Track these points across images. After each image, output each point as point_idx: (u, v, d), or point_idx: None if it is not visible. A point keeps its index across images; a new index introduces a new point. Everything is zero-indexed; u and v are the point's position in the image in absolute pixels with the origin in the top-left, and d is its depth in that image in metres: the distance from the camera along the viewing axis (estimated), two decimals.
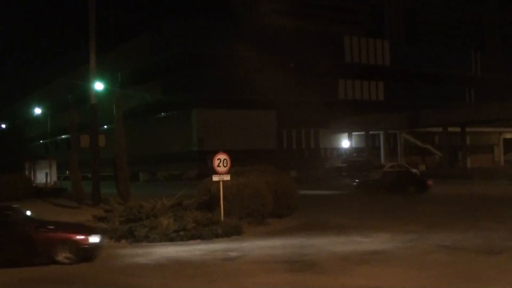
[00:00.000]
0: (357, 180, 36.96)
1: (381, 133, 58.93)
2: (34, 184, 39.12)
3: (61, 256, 13.13)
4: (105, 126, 46.25)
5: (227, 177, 18.45)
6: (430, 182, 33.55)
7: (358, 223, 20.38)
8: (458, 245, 15.22)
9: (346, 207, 26.91)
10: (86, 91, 31.66)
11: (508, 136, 66.07)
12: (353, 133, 62.23)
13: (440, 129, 55.12)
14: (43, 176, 41.18)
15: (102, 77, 34.20)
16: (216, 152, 18.98)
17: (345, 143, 63.20)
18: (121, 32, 62.44)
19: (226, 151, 19.09)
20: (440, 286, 10.90)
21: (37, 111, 76.98)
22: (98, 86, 31.30)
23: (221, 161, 18.37)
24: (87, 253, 13.41)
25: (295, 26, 62.01)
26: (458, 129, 53.85)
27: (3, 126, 73.19)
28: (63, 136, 78.92)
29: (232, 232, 17.06)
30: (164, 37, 57.17)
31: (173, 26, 56.30)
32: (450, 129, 54.12)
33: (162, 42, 57.30)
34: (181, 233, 16.48)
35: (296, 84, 59.21)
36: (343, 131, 62.58)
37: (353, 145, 63.10)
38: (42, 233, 13.37)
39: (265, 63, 56.25)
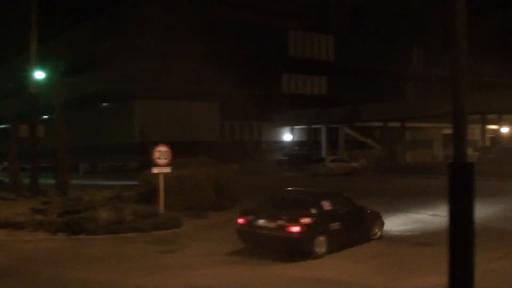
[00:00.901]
0: None
1: (323, 127, 59.56)
2: None
3: (374, 233, 15.19)
4: (46, 116, 45.35)
5: (167, 170, 18.37)
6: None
7: None
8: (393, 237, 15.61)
9: None
10: (26, 79, 30.92)
11: (447, 131, 67.69)
12: (295, 126, 62.70)
13: (380, 124, 56.06)
14: None
15: (43, 65, 33.52)
16: (157, 143, 18.88)
17: (287, 136, 63.63)
18: (64, 20, 61.08)
19: (168, 143, 19.01)
20: (375, 278, 11.14)
21: None
22: (39, 74, 30.64)
23: (161, 153, 18.27)
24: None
25: (240, 19, 61.91)
26: (398, 124, 54.84)
27: None
28: (1, 126, 77.10)
29: (171, 224, 17.02)
30: (108, 26, 56.33)
31: (118, 15, 55.55)
32: (391, 124, 55.09)
33: (106, 31, 56.43)
34: (120, 225, 16.36)
35: (240, 77, 59.27)
36: (286, 125, 62.99)
37: (295, 139, 63.58)
38: (368, 215, 15.24)
39: (209, 54, 56.12)
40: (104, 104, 60.84)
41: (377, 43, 70.59)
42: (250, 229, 13.22)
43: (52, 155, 27.37)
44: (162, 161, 18.24)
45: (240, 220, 13.60)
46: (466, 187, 6.69)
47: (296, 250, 12.69)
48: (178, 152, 19.49)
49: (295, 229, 12.44)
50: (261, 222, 13.13)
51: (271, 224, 12.82)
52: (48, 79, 35.97)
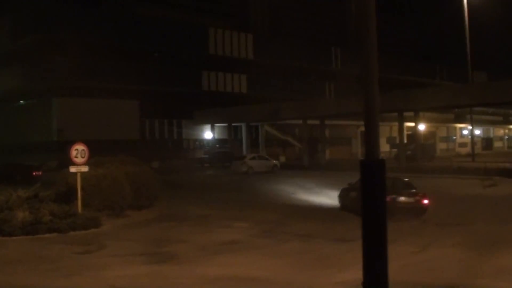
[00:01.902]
0: None
1: (243, 125, 59.86)
2: None
3: None
4: None
5: (85, 168, 18.13)
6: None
7: (219, 213, 20.77)
8: (313, 234, 15.97)
9: (211, 197, 27.23)
10: None
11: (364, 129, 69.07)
12: (216, 124, 62.73)
13: (300, 122, 56.79)
14: None
15: None
16: (76, 142, 18.60)
17: (208, 134, 63.64)
18: None
19: (87, 142, 18.78)
20: (293, 272, 11.37)
21: None
22: None
23: (78, 151, 18.02)
24: None
25: (160, 15, 61.41)
26: (318, 122, 55.68)
27: None
28: None
29: (90, 224, 16.79)
30: (25, 20, 54.89)
31: (35, 9, 54.15)
32: (310, 122, 55.89)
33: (23, 25, 54.98)
34: (37, 226, 16.02)
35: (160, 74, 58.90)
36: (206, 123, 62.92)
37: (216, 137, 63.66)
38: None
39: (129, 51, 55.54)
40: (21, 101, 59.24)
41: (297, 42, 71.58)
42: (393, 204, 16.94)
43: None
44: (79, 160, 17.99)
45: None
46: (378, 183, 6.91)
47: (422, 214, 18.62)
48: (97, 151, 19.30)
49: (426, 201, 19.02)
50: (401, 198, 18.63)
51: (410, 199, 18.87)
52: None
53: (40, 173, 36.35)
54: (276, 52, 67.83)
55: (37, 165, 40.19)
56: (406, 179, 21.79)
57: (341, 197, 22.61)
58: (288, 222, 18.52)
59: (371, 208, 6.94)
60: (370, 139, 7.02)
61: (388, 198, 15.75)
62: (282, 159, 54.81)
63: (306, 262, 12.32)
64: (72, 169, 17.94)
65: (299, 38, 73.01)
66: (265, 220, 18.96)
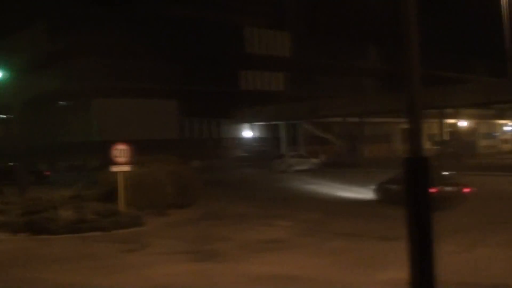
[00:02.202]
0: None
1: (282, 123, 59.74)
2: None
3: None
4: (4, 116, 44.74)
5: (126, 168, 18.36)
6: None
7: (260, 211, 20.80)
8: (356, 232, 15.87)
9: (251, 195, 27.29)
10: None
11: (404, 126, 68.07)
12: (254, 123, 62.79)
13: (340, 119, 56.47)
14: None
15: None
16: (117, 142, 18.82)
17: (246, 133, 63.72)
18: (20, 18, 60.08)
19: (127, 141, 18.99)
20: (337, 271, 11.32)
21: None
22: None
23: (120, 151, 18.26)
24: None
25: (196, 15, 61.68)
26: (357, 119, 55.30)
27: None
28: None
29: (132, 223, 16.98)
30: (62, 24, 55.66)
31: (71, 14, 54.89)
32: (350, 119, 55.54)
33: (61, 29, 55.79)
34: (81, 224, 16.28)
35: (198, 74, 59.21)
36: (245, 121, 63.02)
37: (255, 135, 63.70)
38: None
39: (165, 52, 55.91)
40: (62, 103, 60.12)
41: (335, 39, 71.12)
42: (440, 194, 17.67)
43: (11, 154, 27.07)
44: (121, 159, 18.22)
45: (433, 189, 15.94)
46: (422, 181, 6.84)
47: (463, 202, 19.98)
48: (138, 150, 19.44)
49: (467, 190, 20.79)
50: (447, 188, 19.69)
51: (455, 189, 20.24)
52: (5, 79, 35.50)
53: (49, 172, 38.13)
54: (314, 49, 67.57)
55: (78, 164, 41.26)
56: (446, 172, 23.36)
57: (378, 190, 23.07)
58: (329, 220, 18.45)
59: (416, 206, 6.88)
60: (414, 136, 6.95)
61: (435, 189, 16.31)
62: (322, 157, 54.56)
63: (350, 261, 12.25)
64: (115, 169, 18.17)
65: (337, 34, 72.43)
66: (306, 218, 18.93)
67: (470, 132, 72.92)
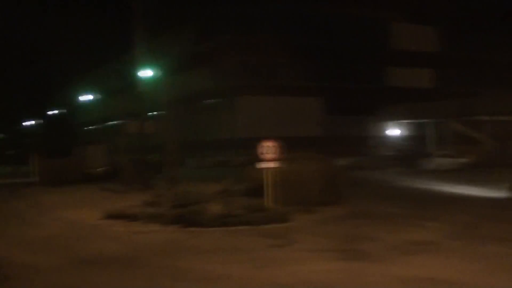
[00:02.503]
0: None
1: (430, 121, 58.01)
2: (84, 169, 39.87)
3: None
4: (154, 112, 46.57)
5: (273, 164, 18.46)
6: None
7: (407, 212, 20.22)
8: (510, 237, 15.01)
9: (397, 195, 26.69)
10: (135, 77, 32.00)
11: None
12: (400, 121, 61.39)
13: (490, 118, 54.03)
14: (93, 160, 41.83)
15: (150, 64, 34.52)
16: (262, 139, 18.97)
17: (393, 131, 62.44)
18: (168, 19, 62.46)
19: (272, 138, 19.10)
20: (493, 279, 10.72)
21: (88, 97, 78.14)
22: (146, 73, 31.59)
23: (268, 148, 18.38)
24: None
25: (341, 12, 61.20)
26: (510, 118, 52.65)
27: (55, 112, 74.66)
28: (112, 122, 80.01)
29: (279, 219, 17.06)
30: (209, 24, 57.30)
31: (218, 13, 56.33)
32: (502, 117, 52.98)
33: (207, 29, 57.43)
34: (230, 218, 16.58)
35: (342, 71, 58.78)
36: (392, 119, 61.72)
37: (402, 133, 62.27)
38: None
39: (310, 49, 55.90)
40: (208, 100, 61.85)
41: (484, 33, 68.04)
42: None
43: (161, 150, 28.13)
44: (268, 156, 18.34)
45: None
46: None
47: None
48: (282, 147, 19.45)
49: None
50: None
51: None
52: (155, 77, 37.01)
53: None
54: (464, 44, 65.04)
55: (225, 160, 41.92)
56: None
57: None
58: (479, 223, 17.52)
59: None
60: None
61: None
62: (470, 157, 52.41)
63: (506, 267, 11.55)
64: (262, 165, 18.33)
65: (489, 29, 69.22)
66: (455, 220, 18.13)
67: None
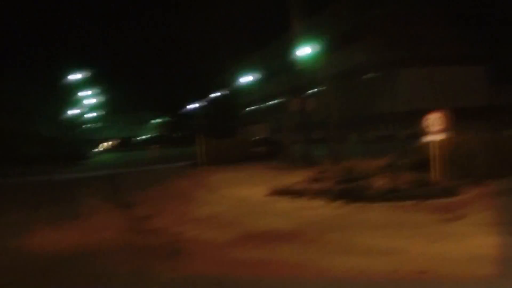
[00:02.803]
0: None
1: None
2: (248, 148, 41.09)
3: None
4: (315, 89, 46.90)
5: (440, 137, 18.02)
6: None
7: None
8: None
9: None
10: (294, 55, 32.40)
11: None
12: None
13: None
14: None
15: (308, 41, 34.78)
16: (425, 111, 18.57)
17: None
18: None
19: (438, 110, 18.63)
20: None
21: (249, 78, 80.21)
22: (305, 50, 31.90)
23: (432, 120, 17.96)
24: None
25: None
26: None
27: (219, 93, 77.31)
28: (275, 101, 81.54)
29: (446, 193, 16.63)
30: None
31: None
32: None
33: (365, 2, 56.75)
34: (395, 193, 16.47)
35: (508, 38, 55.80)
36: None
37: None
38: None
39: (472, 16, 53.58)
40: (368, 74, 61.21)
41: None
42: None
43: (323, 126, 28.35)
44: (434, 128, 17.92)
45: None
46: None
47: None
48: (449, 118, 18.88)
49: None
50: None
51: None
52: (314, 54, 37.21)
53: None
54: None
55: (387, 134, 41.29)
56: None
57: None
58: None
59: None
60: None
61: None
62: None
63: None
64: (427, 138, 17.97)
65: None
66: None
67: None
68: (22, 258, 12.72)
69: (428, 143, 18.23)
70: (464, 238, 11.52)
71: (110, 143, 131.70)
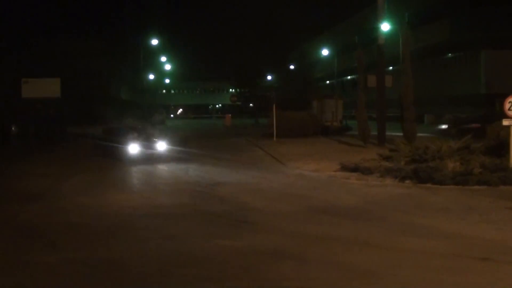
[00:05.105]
0: None
1: None
2: (321, 122, 40.94)
3: None
4: (391, 67, 46.21)
5: None
6: None
7: None
8: None
9: None
10: (372, 32, 31.93)
11: None
12: None
13: None
14: (330, 115, 42.76)
15: (389, 17, 34.16)
16: (505, 95, 17.98)
17: None
18: None
19: None
20: None
21: (324, 52, 79.56)
22: (385, 26, 31.34)
23: None
24: None
25: None
26: None
27: (292, 67, 77.14)
28: (349, 77, 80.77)
29: None
30: None
31: None
32: None
33: None
34: (467, 177, 16.06)
35: None
36: None
37: None
38: None
39: None
40: (449, 54, 59.73)
41: None
42: None
43: (398, 105, 27.88)
44: None
45: None
46: None
47: None
48: None
49: None
50: None
51: None
52: (394, 31, 36.50)
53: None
54: None
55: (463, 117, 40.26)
56: None
57: None
58: None
59: None
60: None
61: None
62: None
63: None
64: (505, 122, 17.43)
65: None
66: None
67: None
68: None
69: (505, 128, 17.68)
70: None
71: (182, 110, 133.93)
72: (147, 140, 26.00)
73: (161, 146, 26.22)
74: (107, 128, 30.22)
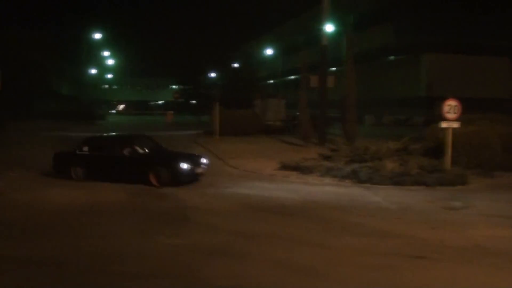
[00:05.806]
0: None
1: None
2: (263, 121, 41.01)
3: None
4: (335, 68, 46.53)
5: (456, 125, 17.87)
6: None
7: None
8: None
9: None
10: (317, 32, 32.11)
11: None
12: None
13: None
14: (272, 114, 42.90)
15: (333, 19, 34.48)
16: (445, 98, 18.40)
17: None
18: None
19: (456, 98, 18.46)
20: None
21: (268, 51, 79.76)
22: (329, 27, 31.59)
23: (451, 107, 17.80)
24: None
25: None
26: None
27: (236, 65, 76.91)
28: (292, 77, 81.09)
29: (457, 181, 16.55)
30: None
31: None
32: None
33: None
34: (405, 177, 16.37)
35: None
36: None
37: None
38: None
39: (500, 5, 52.67)
40: (391, 57, 60.69)
41: None
42: None
43: (340, 105, 28.16)
44: (451, 115, 17.78)
45: None
46: None
47: None
48: (465, 107, 18.70)
49: None
50: None
51: None
52: (338, 32, 36.83)
53: None
54: None
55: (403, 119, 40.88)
56: None
57: None
58: None
59: None
60: None
61: None
62: None
63: None
64: (443, 125, 17.81)
65: None
66: None
67: None
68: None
69: (443, 130, 18.05)
70: (466, 227, 11.48)
71: (124, 105, 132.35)
72: None
73: None
74: None
